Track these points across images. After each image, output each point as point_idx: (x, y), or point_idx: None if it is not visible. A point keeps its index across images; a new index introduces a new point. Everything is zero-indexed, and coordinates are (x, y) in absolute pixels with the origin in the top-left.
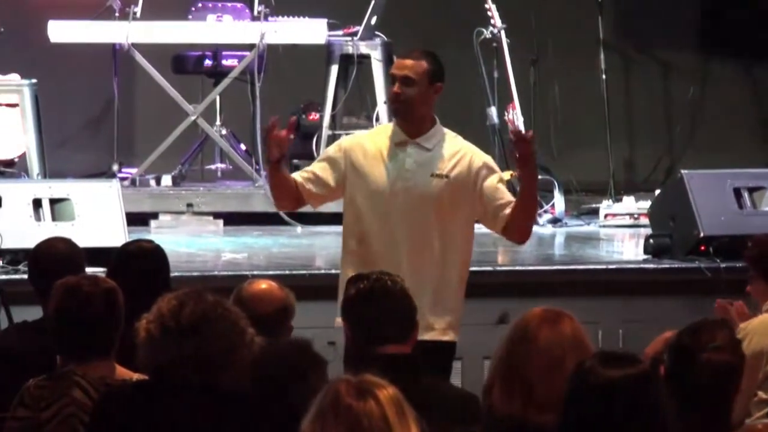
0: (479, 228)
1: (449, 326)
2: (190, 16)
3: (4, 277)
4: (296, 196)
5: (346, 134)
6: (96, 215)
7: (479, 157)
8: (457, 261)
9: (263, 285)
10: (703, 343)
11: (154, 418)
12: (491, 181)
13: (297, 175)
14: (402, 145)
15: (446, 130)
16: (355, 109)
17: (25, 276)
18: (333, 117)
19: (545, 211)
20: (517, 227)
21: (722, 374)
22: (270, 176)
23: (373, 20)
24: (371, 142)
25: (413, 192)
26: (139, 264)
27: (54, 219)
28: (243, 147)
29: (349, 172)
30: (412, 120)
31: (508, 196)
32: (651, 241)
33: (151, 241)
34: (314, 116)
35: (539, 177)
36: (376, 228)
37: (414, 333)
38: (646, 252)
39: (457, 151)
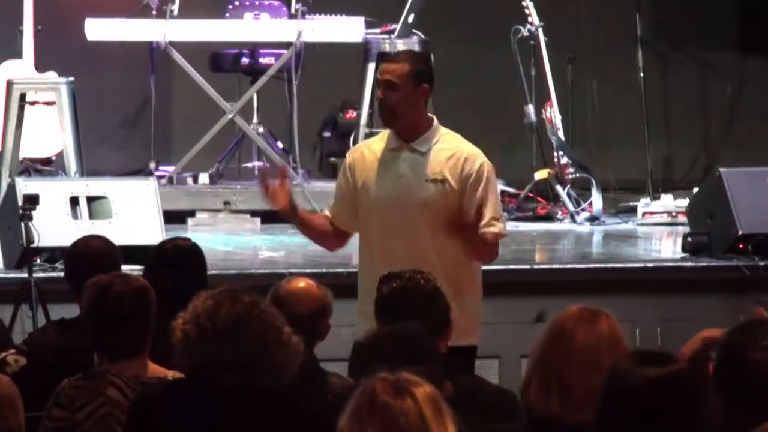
0: (515, 226)
1: (462, 331)
2: (227, 14)
3: (41, 274)
4: (336, 231)
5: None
6: (133, 213)
7: (472, 161)
8: (463, 264)
9: (301, 283)
10: (753, 342)
11: (191, 418)
12: (475, 195)
13: (327, 212)
14: (397, 151)
15: (445, 131)
16: None
17: (62, 274)
18: (370, 115)
19: (583, 209)
20: (470, 254)
21: None
22: (297, 227)
23: (411, 18)
24: (370, 150)
25: (409, 199)
26: (176, 262)
27: (91, 217)
28: (280, 145)
29: (357, 188)
30: (402, 125)
31: (488, 209)
32: (689, 239)
33: (187, 239)
34: (351, 114)
35: (578, 175)
36: (378, 236)
37: (448, 330)
38: (683, 250)
39: (452, 154)
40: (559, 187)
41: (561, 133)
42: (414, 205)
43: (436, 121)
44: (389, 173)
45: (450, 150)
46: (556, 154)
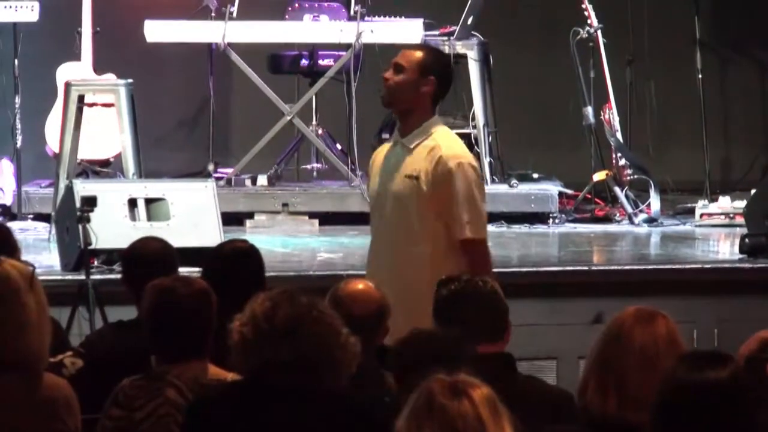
0: (573, 227)
1: None
2: (286, 16)
3: (98, 276)
4: None
5: None
6: (191, 215)
7: (446, 160)
8: (452, 260)
9: (360, 285)
10: None
11: (249, 420)
12: (445, 194)
13: None
14: (394, 145)
15: (440, 129)
16: (452, 109)
17: (120, 276)
18: None
19: (641, 211)
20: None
21: None
22: None
23: (470, 20)
24: (384, 147)
25: (392, 194)
26: (234, 264)
27: (149, 219)
28: (339, 147)
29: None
30: (399, 111)
31: (455, 212)
32: (747, 240)
33: (245, 241)
34: None
35: (636, 176)
36: (374, 230)
37: (507, 332)
38: (741, 251)
39: (431, 151)
40: (617, 189)
41: (619, 135)
42: (390, 199)
43: (435, 119)
44: (382, 168)
45: (432, 148)
46: (614, 156)
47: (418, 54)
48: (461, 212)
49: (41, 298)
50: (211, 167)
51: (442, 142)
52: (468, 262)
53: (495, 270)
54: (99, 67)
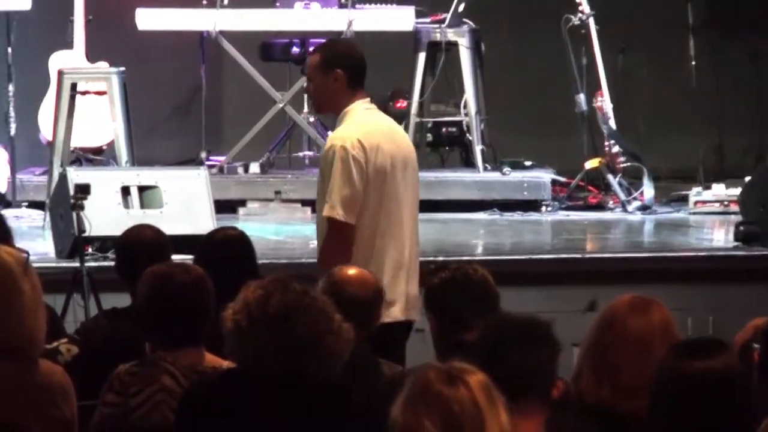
0: (566, 215)
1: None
2: (277, 3)
3: (93, 264)
4: None
5: (434, 122)
6: (184, 203)
7: (325, 146)
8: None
9: (352, 271)
10: None
11: (243, 406)
12: (327, 177)
13: None
14: None
15: (348, 114)
16: (443, 97)
17: (113, 263)
18: (420, 104)
19: (634, 198)
20: None
21: None
22: None
23: (461, 7)
24: None
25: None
26: (225, 252)
27: (142, 206)
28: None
29: None
30: (328, 111)
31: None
32: (741, 228)
33: (236, 229)
34: (402, 104)
35: (629, 163)
36: None
37: None
38: (736, 239)
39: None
40: (610, 176)
41: (612, 122)
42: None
43: (351, 105)
44: None
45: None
46: (607, 143)
47: (316, 57)
48: (332, 190)
49: (36, 284)
50: (203, 155)
51: (337, 129)
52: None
53: (488, 257)
54: (91, 56)
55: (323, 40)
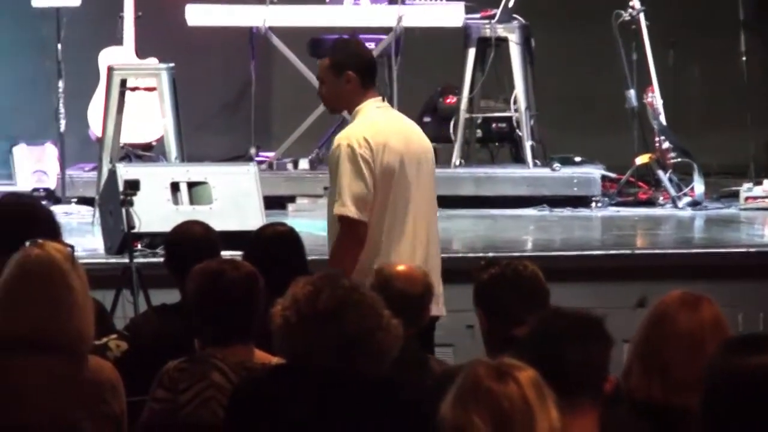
0: (617, 211)
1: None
2: (327, 0)
3: (142, 260)
4: None
5: (484, 117)
6: (233, 199)
7: (332, 146)
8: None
9: (401, 267)
10: None
11: (292, 403)
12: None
13: None
14: None
15: (360, 114)
16: (493, 93)
17: (162, 259)
18: (470, 100)
19: (684, 194)
20: None
21: None
22: None
23: (511, 3)
24: None
25: None
26: (274, 248)
27: (191, 203)
28: None
29: None
30: (343, 111)
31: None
32: None
33: (285, 225)
34: (451, 100)
35: (680, 159)
36: None
37: None
38: None
39: None
40: (660, 172)
41: (662, 118)
42: None
43: (363, 104)
44: None
45: None
46: (657, 139)
47: (326, 60)
48: (340, 189)
49: (84, 279)
50: (252, 151)
51: (346, 128)
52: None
53: (538, 253)
54: (141, 52)
55: (372, 36)
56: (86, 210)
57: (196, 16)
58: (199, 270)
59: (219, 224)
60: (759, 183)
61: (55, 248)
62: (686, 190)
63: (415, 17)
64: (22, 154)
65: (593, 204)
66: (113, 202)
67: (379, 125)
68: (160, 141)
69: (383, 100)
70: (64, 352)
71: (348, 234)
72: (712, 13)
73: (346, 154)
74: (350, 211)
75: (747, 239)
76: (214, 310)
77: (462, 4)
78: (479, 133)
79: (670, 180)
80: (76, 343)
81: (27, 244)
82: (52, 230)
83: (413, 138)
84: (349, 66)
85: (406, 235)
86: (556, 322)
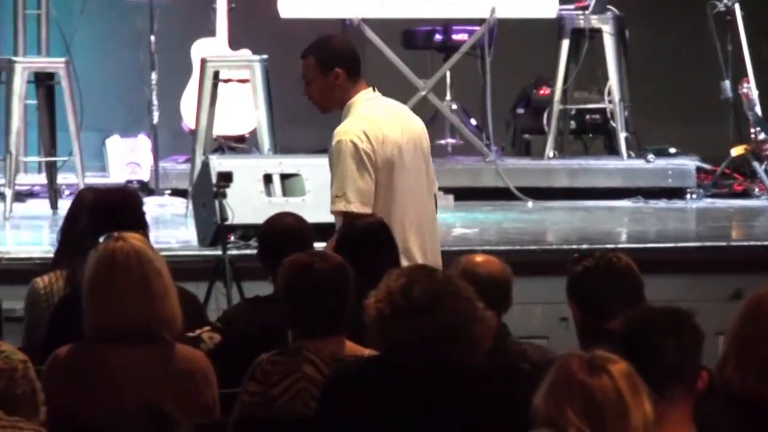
0: (710, 203)
1: None
2: None
3: (235, 252)
4: None
5: (578, 109)
6: (326, 191)
7: (332, 140)
8: None
9: (479, 258)
10: None
11: (387, 395)
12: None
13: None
14: None
15: (353, 108)
16: (587, 84)
17: (255, 251)
18: (564, 92)
19: None
20: None
21: None
22: None
23: None
24: None
25: None
26: (366, 240)
27: (284, 194)
28: (473, 122)
29: None
30: (334, 109)
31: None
32: None
33: (376, 216)
34: (545, 91)
35: None
36: None
37: None
38: None
39: None
40: (756, 164)
41: (758, 109)
42: None
43: (353, 99)
44: None
45: None
46: (753, 130)
47: (311, 60)
48: (339, 185)
49: (164, 263)
50: None
51: (343, 122)
52: None
53: (632, 245)
54: (234, 43)
55: (466, 28)
56: (179, 202)
57: (288, 7)
58: (288, 263)
59: (312, 216)
60: None
61: (134, 237)
62: None
63: (509, 8)
64: (115, 146)
65: (688, 195)
66: (206, 194)
67: (375, 118)
68: (253, 133)
69: (373, 90)
70: (154, 339)
71: (343, 228)
72: None
73: (348, 149)
74: (353, 206)
75: None
76: (303, 303)
77: None
78: (573, 124)
79: (766, 172)
80: (169, 327)
81: (101, 239)
82: (141, 227)
83: (407, 126)
84: (335, 63)
85: (410, 221)
86: (647, 316)
